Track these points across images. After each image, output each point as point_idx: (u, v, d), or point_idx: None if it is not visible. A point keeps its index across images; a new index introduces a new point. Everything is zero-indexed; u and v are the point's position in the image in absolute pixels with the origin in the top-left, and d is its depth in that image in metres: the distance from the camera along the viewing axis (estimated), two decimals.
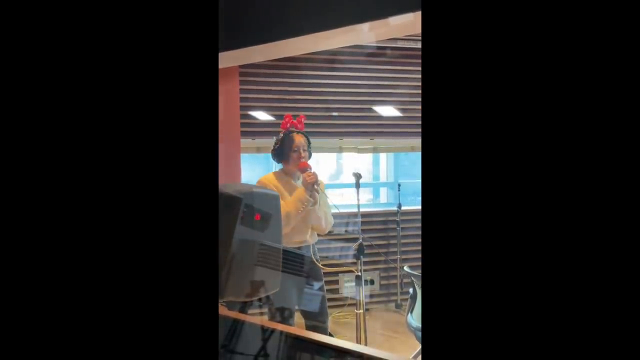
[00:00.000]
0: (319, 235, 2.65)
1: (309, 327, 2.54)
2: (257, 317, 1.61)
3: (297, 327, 2.46)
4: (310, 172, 2.49)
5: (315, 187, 2.47)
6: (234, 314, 1.54)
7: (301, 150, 2.54)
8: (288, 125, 2.61)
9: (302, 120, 2.65)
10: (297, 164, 2.53)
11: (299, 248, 2.51)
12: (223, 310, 1.53)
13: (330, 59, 4.11)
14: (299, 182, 2.55)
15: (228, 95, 3.33)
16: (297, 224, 2.50)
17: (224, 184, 1.26)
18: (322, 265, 2.56)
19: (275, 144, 2.60)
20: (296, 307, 2.57)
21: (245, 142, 3.89)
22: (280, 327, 1.52)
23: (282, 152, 2.57)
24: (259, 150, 4.22)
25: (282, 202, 2.46)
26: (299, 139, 2.56)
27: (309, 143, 2.62)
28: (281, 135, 2.59)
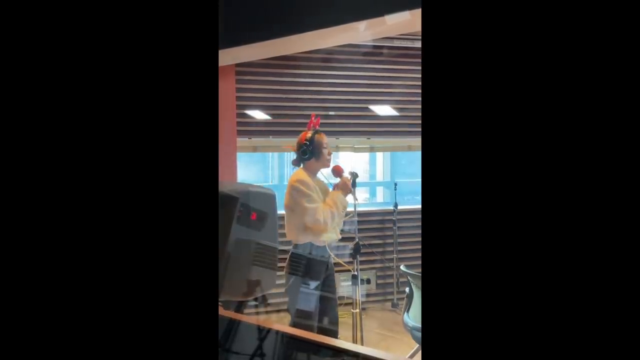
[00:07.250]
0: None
1: (320, 330, 2.53)
2: (254, 317, 1.61)
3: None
4: (347, 177, 2.53)
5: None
6: (230, 314, 1.53)
7: (330, 149, 2.56)
8: (316, 124, 2.63)
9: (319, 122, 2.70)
10: (327, 163, 2.55)
11: (324, 246, 2.53)
12: (219, 310, 1.53)
13: (327, 58, 4.10)
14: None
15: (224, 93, 3.33)
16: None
17: (220, 182, 1.25)
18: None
19: (305, 142, 2.57)
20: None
21: (241, 141, 3.88)
22: (276, 326, 1.51)
23: (314, 150, 2.56)
24: (255, 149, 4.21)
25: (321, 203, 2.46)
26: (326, 138, 2.58)
27: None
28: (310, 134, 2.59)
